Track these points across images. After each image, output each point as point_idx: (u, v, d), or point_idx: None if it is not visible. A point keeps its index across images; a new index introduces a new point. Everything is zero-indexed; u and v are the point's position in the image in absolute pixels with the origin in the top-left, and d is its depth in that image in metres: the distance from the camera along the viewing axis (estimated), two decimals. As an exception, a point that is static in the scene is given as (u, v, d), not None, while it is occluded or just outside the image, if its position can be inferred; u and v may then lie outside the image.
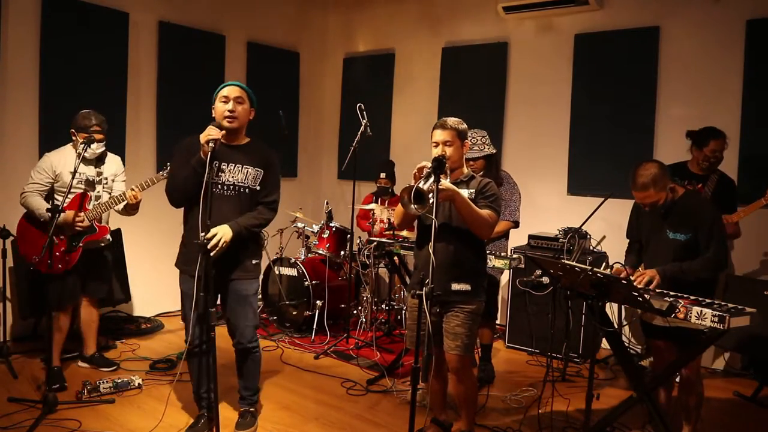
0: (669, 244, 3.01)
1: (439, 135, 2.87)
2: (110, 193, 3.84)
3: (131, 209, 3.77)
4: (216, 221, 2.85)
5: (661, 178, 2.89)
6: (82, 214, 3.66)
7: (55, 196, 3.69)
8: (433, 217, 2.49)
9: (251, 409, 3.29)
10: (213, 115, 3.03)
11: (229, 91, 3.00)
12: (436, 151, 2.84)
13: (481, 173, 3.83)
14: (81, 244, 3.71)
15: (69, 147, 3.77)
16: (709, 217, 2.94)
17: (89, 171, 3.77)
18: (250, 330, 3.15)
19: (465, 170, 2.99)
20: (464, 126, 2.93)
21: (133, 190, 3.67)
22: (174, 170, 3.05)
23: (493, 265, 3.47)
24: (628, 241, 3.40)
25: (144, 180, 3.73)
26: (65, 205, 3.55)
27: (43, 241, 3.53)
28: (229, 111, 2.97)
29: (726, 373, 4.40)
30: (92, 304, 3.98)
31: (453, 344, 2.87)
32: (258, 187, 3.08)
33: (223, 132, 2.89)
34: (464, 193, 2.79)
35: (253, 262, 3.15)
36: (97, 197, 3.79)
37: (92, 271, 3.87)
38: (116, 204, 3.74)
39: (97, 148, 3.72)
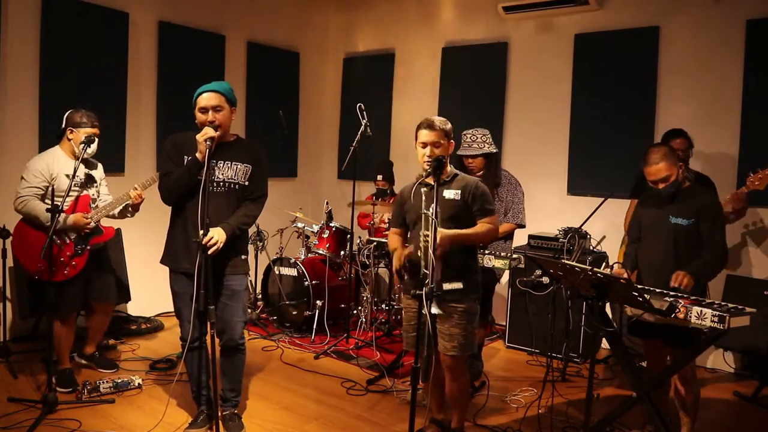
0: (669, 230, 3.04)
1: (427, 136, 2.85)
2: (99, 196, 3.74)
3: (133, 210, 3.71)
4: (209, 218, 2.84)
5: (671, 154, 3.02)
6: (89, 215, 3.58)
7: (54, 199, 3.49)
8: (434, 215, 2.49)
9: (236, 411, 3.24)
10: (196, 121, 2.98)
11: (206, 100, 2.94)
12: (424, 152, 2.85)
13: (481, 172, 3.83)
14: (89, 247, 3.62)
15: (57, 149, 3.64)
16: (714, 205, 3.05)
17: (80, 173, 3.62)
18: (240, 326, 3.15)
19: (449, 169, 2.97)
20: (449, 125, 2.92)
21: (136, 189, 3.59)
22: (166, 169, 3.02)
23: (493, 265, 3.47)
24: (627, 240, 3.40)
25: (145, 179, 3.67)
26: (66, 207, 3.43)
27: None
28: (209, 123, 2.92)
29: (725, 373, 4.40)
30: (106, 313, 3.91)
31: (449, 345, 2.86)
32: (247, 183, 3.08)
33: (219, 132, 2.91)
34: (449, 194, 2.83)
35: (242, 257, 3.15)
36: (93, 200, 3.70)
37: (97, 273, 3.76)
38: (119, 204, 3.65)
39: (95, 148, 3.61)
